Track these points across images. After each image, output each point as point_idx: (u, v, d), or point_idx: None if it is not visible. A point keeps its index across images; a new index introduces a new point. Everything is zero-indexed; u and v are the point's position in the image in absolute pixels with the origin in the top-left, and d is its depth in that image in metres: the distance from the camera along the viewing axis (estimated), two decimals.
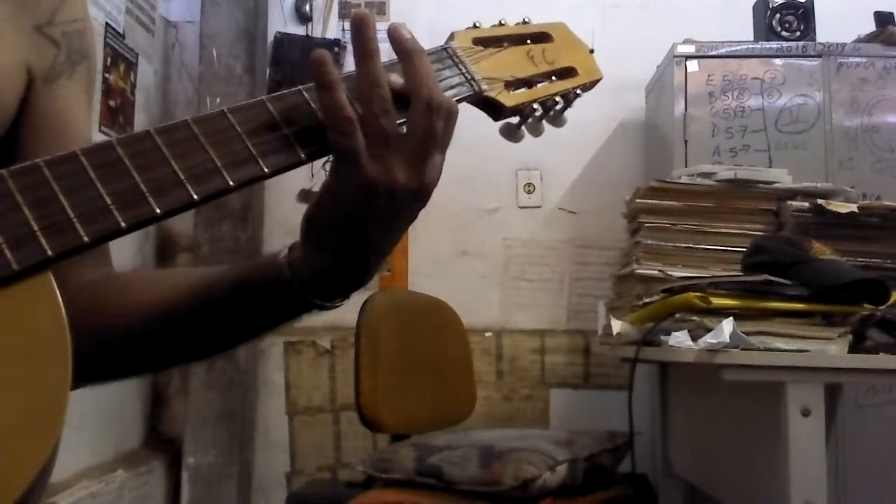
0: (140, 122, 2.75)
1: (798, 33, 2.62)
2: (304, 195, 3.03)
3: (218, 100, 2.89)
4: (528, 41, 0.75)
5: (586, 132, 2.99)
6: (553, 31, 0.77)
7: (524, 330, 3.02)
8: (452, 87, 0.67)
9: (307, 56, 2.86)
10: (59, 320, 0.51)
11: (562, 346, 3.01)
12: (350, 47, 0.62)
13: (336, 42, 3.11)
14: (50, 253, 0.51)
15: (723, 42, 2.62)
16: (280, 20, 3.13)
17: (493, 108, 0.70)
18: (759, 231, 2.00)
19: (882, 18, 2.64)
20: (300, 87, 0.61)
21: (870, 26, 2.65)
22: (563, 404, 2.99)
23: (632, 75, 2.86)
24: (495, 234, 3.07)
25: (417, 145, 0.60)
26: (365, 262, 0.64)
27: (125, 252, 2.65)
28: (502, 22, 0.75)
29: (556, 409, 2.99)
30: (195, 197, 0.55)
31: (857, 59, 2.55)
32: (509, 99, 0.70)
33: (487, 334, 3.00)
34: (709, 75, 2.58)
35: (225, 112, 0.58)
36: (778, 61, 2.57)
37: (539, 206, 3.08)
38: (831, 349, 1.43)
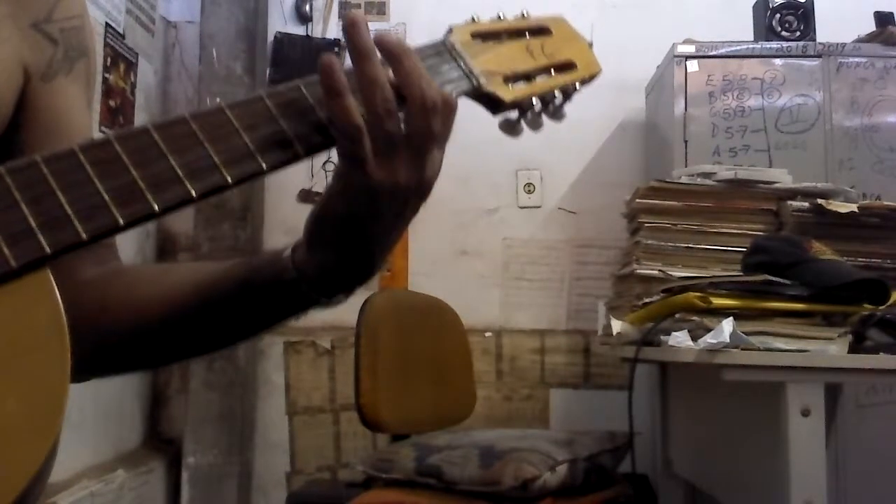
0: (140, 122, 2.74)
1: (798, 33, 2.62)
2: (304, 195, 3.03)
3: (218, 100, 2.88)
4: (527, 35, 0.75)
5: (586, 132, 2.99)
6: (552, 24, 0.77)
7: (524, 330, 3.02)
8: (451, 82, 0.66)
9: (307, 56, 2.84)
10: (58, 317, 0.51)
11: (562, 346, 3.01)
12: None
13: (336, 42, 3.11)
14: (48, 250, 0.51)
15: (723, 42, 2.62)
16: (280, 20, 3.14)
17: (492, 103, 0.70)
18: (759, 231, 1.99)
19: (882, 18, 2.64)
20: (298, 81, 0.61)
21: (870, 26, 2.65)
22: (563, 404, 2.99)
23: (632, 75, 2.86)
24: (495, 234, 3.07)
25: (418, 144, 0.60)
26: (370, 260, 0.64)
27: (125, 251, 2.63)
28: (501, 16, 0.75)
29: (556, 409, 2.99)
30: (193, 193, 0.55)
31: (857, 59, 2.55)
32: (508, 93, 0.70)
33: (487, 334, 3.00)
34: (709, 75, 2.58)
35: (223, 108, 0.58)
36: (778, 61, 2.57)
37: (539, 206, 3.07)
38: (831, 349, 1.43)
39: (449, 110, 0.61)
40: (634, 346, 1.71)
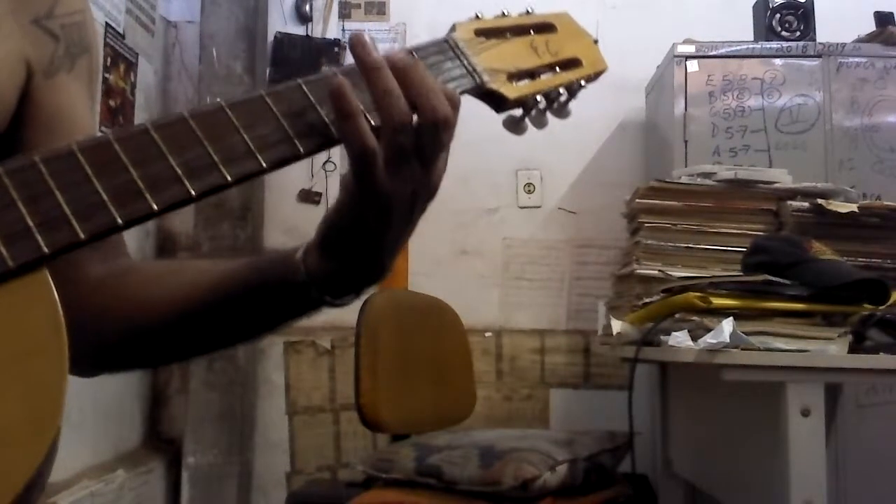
0: (140, 122, 2.74)
1: (798, 33, 2.61)
2: (304, 195, 3.03)
3: (218, 100, 2.89)
4: (531, 32, 0.74)
5: (586, 132, 2.99)
6: (557, 21, 0.77)
7: (524, 330, 3.02)
8: (454, 80, 0.66)
9: (307, 56, 2.84)
10: (56, 317, 0.51)
11: (562, 346, 3.01)
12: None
13: (336, 42, 3.11)
14: (46, 250, 0.50)
15: (723, 42, 2.62)
16: (280, 20, 3.13)
17: (496, 101, 0.70)
18: (759, 231, 1.99)
19: (882, 18, 2.64)
20: (298, 80, 0.60)
21: (870, 26, 2.65)
22: (563, 404, 2.99)
23: (632, 75, 2.86)
24: (495, 234, 3.07)
25: (428, 156, 0.60)
26: (380, 262, 0.65)
27: None
28: (505, 13, 0.74)
29: (556, 409, 2.98)
30: (192, 192, 0.55)
31: (857, 59, 2.55)
32: (512, 91, 0.69)
33: (487, 334, 3.00)
34: (709, 75, 2.57)
35: (223, 106, 0.57)
36: (778, 61, 2.57)
37: (539, 206, 3.07)
38: (831, 349, 1.43)
39: (453, 107, 0.61)
40: (634, 346, 1.71)
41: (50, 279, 0.51)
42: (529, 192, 3.08)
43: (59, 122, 0.70)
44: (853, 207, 1.88)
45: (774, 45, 2.59)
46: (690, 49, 2.60)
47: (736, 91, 2.56)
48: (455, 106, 0.61)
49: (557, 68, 0.74)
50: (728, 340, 1.38)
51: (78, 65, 0.73)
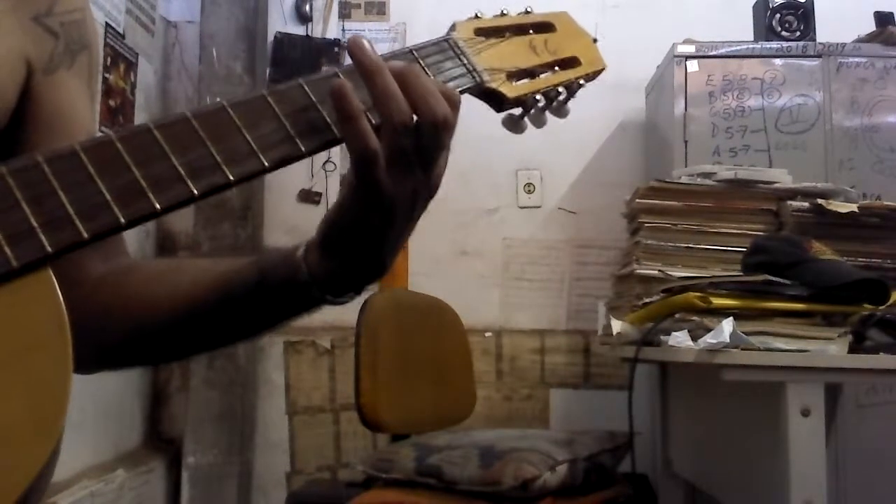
0: (140, 122, 2.73)
1: (798, 33, 2.62)
2: (304, 194, 3.03)
3: (218, 100, 2.89)
4: (531, 31, 0.75)
5: (586, 132, 2.99)
6: (556, 20, 0.77)
7: (524, 330, 3.02)
8: (454, 79, 0.66)
9: (307, 56, 2.84)
10: (60, 316, 0.51)
11: (562, 346, 3.01)
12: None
13: (336, 42, 3.11)
14: (49, 249, 0.51)
15: (723, 42, 2.62)
16: (280, 20, 3.13)
17: (496, 100, 0.70)
18: (759, 231, 1.99)
19: (882, 18, 2.64)
20: (299, 79, 0.61)
21: (870, 26, 2.65)
22: (563, 404, 2.99)
23: (632, 75, 2.86)
24: (495, 234, 3.07)
25: (429, 156, 0.61)
26: (382, 261, 0.65)
27: None
28: (504, 12, 0.74)
29: (555, 409, 2.99)
30: (195, 192, 0.55)
31: (857, 59, 2.55)
32: (511, 90, 0.70)
33: (487, 334, 3.00)
34: (709, 75, 2.58)
35: (224, 106, 0.58)
36: (778, 61, 2.57)
37: (539, 206, 3.07)
38: (831, 349, 1.43)
39: (453, 107, 0.61)
40: (634, 346, 1.71)
41: (53, 278, 0.52)
42: (529, 192, 3.08)
43: (59, 119, 0.70)
44: (853, 207, 1.88)
45: (774, 45, 2.59)
46: (690, 49, 2.60)
47: (736, 91, 2.57)
48: (455, 106, 0.61)
49: (556, 67, 0.74)
50: (728, 340, 1.38)
51: (78, 62, 0.73)
